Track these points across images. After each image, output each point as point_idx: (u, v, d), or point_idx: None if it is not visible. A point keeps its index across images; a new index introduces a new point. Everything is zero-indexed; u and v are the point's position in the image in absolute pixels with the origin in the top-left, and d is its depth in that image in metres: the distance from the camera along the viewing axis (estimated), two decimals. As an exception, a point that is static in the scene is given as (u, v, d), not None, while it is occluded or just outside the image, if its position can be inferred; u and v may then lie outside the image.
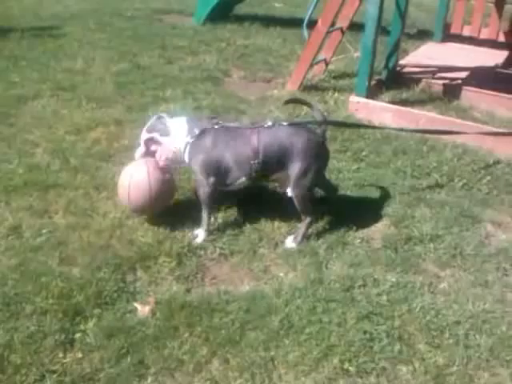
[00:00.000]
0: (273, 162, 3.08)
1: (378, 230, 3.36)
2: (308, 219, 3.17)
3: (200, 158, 3.09)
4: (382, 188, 3.78)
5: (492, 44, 6.96)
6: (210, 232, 3.16)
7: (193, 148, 3.12)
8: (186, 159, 3.16)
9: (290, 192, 3.11)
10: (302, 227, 3.18)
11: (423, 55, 6.40)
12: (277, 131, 3.10)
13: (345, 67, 6.11)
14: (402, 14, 5.53)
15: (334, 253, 3.10)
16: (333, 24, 5.37)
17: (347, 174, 3.94)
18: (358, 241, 3.22)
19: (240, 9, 8.15)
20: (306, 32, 5.27)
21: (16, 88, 5.01)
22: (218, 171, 3.09)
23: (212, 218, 3.23)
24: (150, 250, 2.99)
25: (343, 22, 5.58)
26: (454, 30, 7.01)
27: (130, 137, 4.15)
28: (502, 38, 6.89)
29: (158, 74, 5.55)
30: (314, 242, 3.16)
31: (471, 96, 5.33)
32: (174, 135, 3.15)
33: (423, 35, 7.56)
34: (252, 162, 3.06)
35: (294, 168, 3.06)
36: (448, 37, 7.07)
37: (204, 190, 3.11)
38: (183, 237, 3.11)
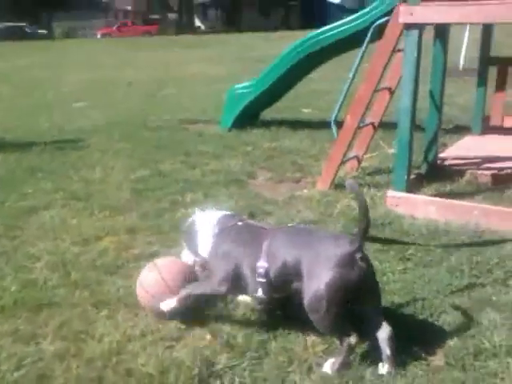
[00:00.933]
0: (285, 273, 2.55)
1: (438, 344, 2.69)
2: (346, 342, 2.47)
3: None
4: (437, 290, 3.16)
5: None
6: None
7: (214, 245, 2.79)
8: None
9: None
10: (340, 351, 2.50)
11: (463, 148, 5.91)
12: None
13: (379, 164, 5.66)
14: (437, 105, 5.13)
15: (385, 376, 2.44)
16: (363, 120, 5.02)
17: (392, 277, 3.33)
18: (414, 358, 2.56)
19: (266, 114, 7.96)
20: (334, 128, 4.91)
21: (27, 199, 4.70)
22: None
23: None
24: (151, 382, 2.40)
25: (374, 118, 5.21)
26: (493, 123, 6.58)
27: (142, 245, 3.71)
28: (545, 128, 6.41)
29: (178, 180, 5.20)
30: (357, 363, 2.52)
31: (524, 185, 4.76)
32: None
33: (460, 130, 7.13)
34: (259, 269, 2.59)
35: (310, 284, 2.45)
36: (487, 129, 6.62)
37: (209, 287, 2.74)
38: (193, 362, 2.51)
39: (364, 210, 2.46)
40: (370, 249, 3.68)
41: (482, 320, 2.85)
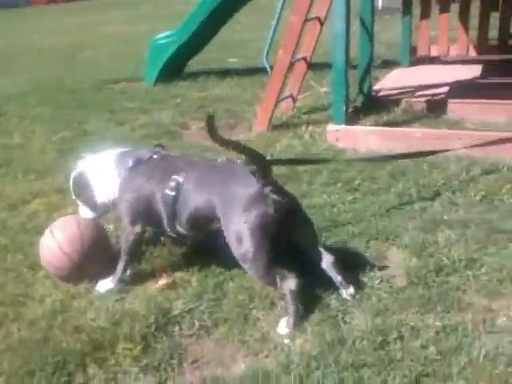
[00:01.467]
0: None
1: (398, 265, 2.63)
2: (287, 288, 2.23)
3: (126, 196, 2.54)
4: (387, 215, 3.10)
5: (462, 62, 6.53)
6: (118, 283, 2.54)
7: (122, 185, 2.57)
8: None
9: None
10: (288, 305, 2.25)
11: (395, 79, 5.90)
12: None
13: (314, 103, 5.53)
14: (368, 37, 5.03)
15: (350, 301, 2.34)
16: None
17: (343, 207, 3.24)
18: (377, 281, 2.48)
19: (192, 66, 7.64)
20: (267, 64, 4.70)
21: None
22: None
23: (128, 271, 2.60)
24: (104, 335, 2.20)
25: (306, 51, 5.04)
26: (421, 53, 6.57)
27: (74, 205, 3.42)
28: (472, 53, 6.47)
29: (106, 137, 4.86)
30: (321, 291, 2.41)
31: (459, 108, 4.76)
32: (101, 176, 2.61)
33: (388, 65, 7.10)
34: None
35: (229, 232, 2.29)
36: (416, 61, 6.62)
37: (126, 236, 2.55)
38: (148, 310, 2.33)
39: (240, 149, 2.26)
40: (317, 183, 3.59)
41: (437, 239, 2.80)
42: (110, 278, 2.56)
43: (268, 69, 4.71)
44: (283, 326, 2.23)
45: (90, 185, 2.66)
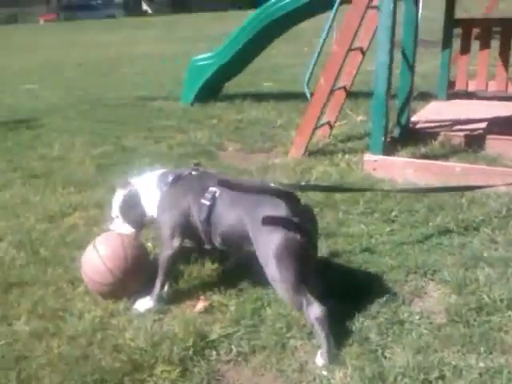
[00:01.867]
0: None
1: (438, 301, 2.60)
2: (313, 315, 2.20)
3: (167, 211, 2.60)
4: (426, 249, 3.07)
5: (499, 98, 6.49)
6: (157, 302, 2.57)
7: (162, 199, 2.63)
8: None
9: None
10: (319, 337, 2.20)
11: (433, 112, 5.86)
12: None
13: (350, 131, 5.54)
14: (410, 68, 5.04)
15: (390, 336, 2.32)
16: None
17: (380, 238, 3.22)
18: (417, 317, 2.45)
19: (228, 89, 7.73)
20: (308, 91, 4.72)
21: (-19, 181, 4.37)
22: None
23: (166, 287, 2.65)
24: (143, 356, 2.21)
25: (346, 80, 5.07)
26: (459, 87, 6.53)
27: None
28: (511, 90, 6.41)
29: (144, 154, 4.95)
30: (360, 324, 2.39)
31: (497, 144, 4.72)
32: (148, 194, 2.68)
33: (425, 97, 7.09)
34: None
35: (261, 253, 2.32)
36: (452, 95, 6.59)
37: (166, 252, 2.57)
38: (186, 333, 2.33)
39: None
40: (354, 212, 3.58)
41: (478, 276, 2.76)
42: (149, 297, 2.58)
43: (308, 95, 4.73)
44: (320, 357, 2.20)
45: (140, 204, 2.70)
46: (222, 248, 2.60)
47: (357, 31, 4.57)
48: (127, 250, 2.59)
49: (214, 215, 2.47)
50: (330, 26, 4.69)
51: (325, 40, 4.97)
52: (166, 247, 2.58)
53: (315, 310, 2.20)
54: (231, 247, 2.60)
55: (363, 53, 5.05)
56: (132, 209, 2.71)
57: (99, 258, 2.56)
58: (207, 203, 2.48)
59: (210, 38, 15.38)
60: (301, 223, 2.26)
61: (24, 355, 2.24)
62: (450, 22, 6.18)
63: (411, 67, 5.07)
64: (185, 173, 2.68)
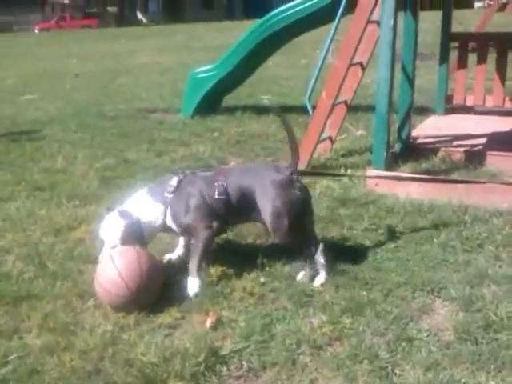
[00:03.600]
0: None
1: (446, 318, 2.62)
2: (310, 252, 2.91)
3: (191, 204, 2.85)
4: (431, 266, 3.10)
5: (497, 112, 6.57)
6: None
7: (175, 201, 2.86)
8: (171, 218, 2.87)
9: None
10: (310, 262, 2.91)
11: (432, 127, 5.92)
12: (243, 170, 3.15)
13: (351, 145, 5.58)
14: (409, 83, 5.10)
15: (399, 353, 2.35)
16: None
17: (386, 255, 3.25)
18: (425, 334, 2.48)
19: (228, 102, 7.77)
20: (309, 105, 4.77)
21: (-14, 193, 4.37)
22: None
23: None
24: (155, 371, 2.22)
25: (347, 95, 5.12)
26: (456, 101, 6.60)
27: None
28: (508, 105, 6.49)
29: (147, 167, 4.98)
30: (370, 341, 2.42)
31: (498, 160, 4.77)
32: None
33: (422, 111, 7.16)
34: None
35: (265, 207, 2.86)
36: (451, 109, 6.66)
37: (204, 236, 2.83)
38: (197, 348, 2.35)
39: (291, 136, 2.95)
40: (358, 228, 3.61)
41: (484, 294, 2.79)
42: (192, 278, 2.79)
43: (310, 110, 4.78)
44: (318, 280, 2.88)
45: (140, 229, 2.83)
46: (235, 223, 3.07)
47: (357, 46, 4.62)
48: (142, 263, 2.64)
49: (230, 191, 2.86)
50: (331, 40, 4.74)
51: (327, 53, 5.05)
52: (202, 232, 2.82)
53: (315, 246, 2.90)
54: (242, 220, 3.05)
55: (363, 68, 5.11)
56: (135, 236, 2.79)
57: (116, 269, 2.59)
58: (223, 184, 2.85)
59: (207, 48, 15.51)
60: (299, 183, 2.90)
61: (36, 369, 2.25)
62: (447, 36, 6.26)
63: (411, 82, 5.12)
64: (180, 175, 2.92)
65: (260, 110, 7.26)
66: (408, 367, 2.25)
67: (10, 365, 2.27)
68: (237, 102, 7.84)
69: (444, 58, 6.47)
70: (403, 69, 5.04)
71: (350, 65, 4.77)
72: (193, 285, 2.78)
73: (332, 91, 4.72)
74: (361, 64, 5.15)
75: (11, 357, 2.32)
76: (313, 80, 4.77)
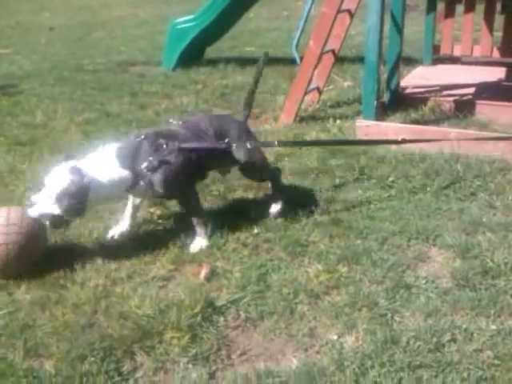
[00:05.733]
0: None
1: (443, 265, 2.60)
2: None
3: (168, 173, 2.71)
4: (426, 214, 3.07)
5: (484, 63, 6.49)
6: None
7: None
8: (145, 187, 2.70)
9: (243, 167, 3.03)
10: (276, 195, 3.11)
11: (420, 77, 5.83)
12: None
13: (338, 96, 5.49)
14: (399, 32, 4.97)
15: (398, 300, 2.32)
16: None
17: (379, 204, 3.21)
18: (423, 281, 2.46)
19: (210, 54, 7.57)
20: (296, 54, 4.63)
21: (-37, 148, 4.21)
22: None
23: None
24: (150, 323, 2.17)
25: (335, 43, 4.99)
26: (444, 51, 6.50)
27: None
28: (496, 55, 6.41)
29: (130, 120, 4.83)
30: (367, 289, 2.39)
31: (487, 110, 4.72)
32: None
33: (409, 62, 7.05)
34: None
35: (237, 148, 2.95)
36: (438, 59, 6.57)
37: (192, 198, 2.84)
38: (193, 300, 2.29)
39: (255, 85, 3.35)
40: (350, 178, 3.56)
41: (480, 241, 2.77)
42: (198, 237, 2.76)
43: (298, 59, 4.65)
44: (273, 208, 3.06)
45: (90, 186, 2.56)
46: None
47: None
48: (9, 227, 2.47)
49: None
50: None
51: (312, 3, 4.87)
52: (190, 198, 2.81)
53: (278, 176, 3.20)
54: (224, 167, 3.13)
55: (351, 15, 4.95)
56: (76, 198, 2.52)
57: None
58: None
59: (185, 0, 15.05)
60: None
61: (28, 324, 2.18)
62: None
63: (400, 31, 5.00)
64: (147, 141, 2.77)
65: (244, 62, 7.07)
66: (408, 314, 2.23)
67: (0, 320, 2.20)
68: (219, 54, 7.63)
69: (431, 8, 6.33)
70: (392, 18, 4.91)
71: (338, 11, 4.63)
72: (200, 244, 2.75)
73: (320, 39, 4.59)
74: (349, 11, 4.99)
75: (1, 312, 2.25)
76: (300, 29, 4.63)
